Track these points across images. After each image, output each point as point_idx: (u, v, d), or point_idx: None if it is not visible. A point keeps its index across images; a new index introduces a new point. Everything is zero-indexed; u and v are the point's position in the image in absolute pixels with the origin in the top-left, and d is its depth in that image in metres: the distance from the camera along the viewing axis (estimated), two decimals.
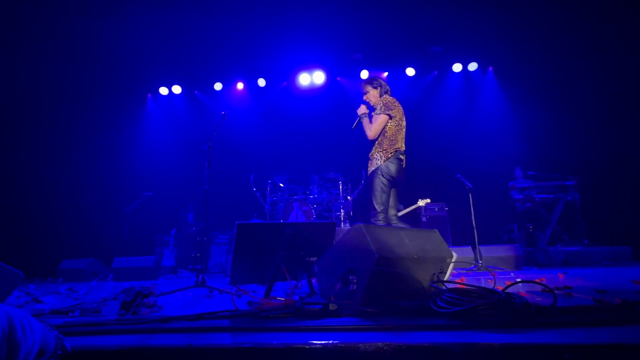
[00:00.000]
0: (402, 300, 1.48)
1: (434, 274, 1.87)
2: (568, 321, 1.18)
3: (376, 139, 3.14)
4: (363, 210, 7.19)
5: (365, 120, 3.19)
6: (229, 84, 8.45)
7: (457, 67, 7.96)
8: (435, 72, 8.15)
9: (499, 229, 6.80)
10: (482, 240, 4.67)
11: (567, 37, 6.69)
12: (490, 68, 7.97)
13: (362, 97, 3.38)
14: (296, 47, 7.64)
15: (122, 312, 1.62)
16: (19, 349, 0.56)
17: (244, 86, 8.50)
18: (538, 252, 5.12)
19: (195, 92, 8.63)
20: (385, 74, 8.27)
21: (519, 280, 2.51)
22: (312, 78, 8.25)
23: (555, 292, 1.44)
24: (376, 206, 2.96)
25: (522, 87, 7.44)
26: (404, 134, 3.22)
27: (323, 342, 1.05)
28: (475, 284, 1.46)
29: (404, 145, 3.19)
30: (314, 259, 2.04)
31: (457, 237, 6.53)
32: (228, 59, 7.81)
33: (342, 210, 6.40)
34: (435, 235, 2.12)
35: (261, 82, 8.36)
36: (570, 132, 6.79)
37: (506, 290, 1.36)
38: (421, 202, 5.89)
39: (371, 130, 3.10)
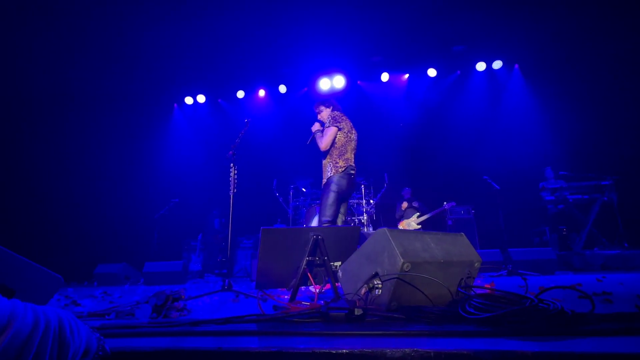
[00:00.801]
0: (428, 306, 1.46)
1: (462, 278, 1.82)
2: (608, 329, 1.12)
3: (328, 150, 3.34)
4: (386, 214, 7.12)
5: (318, 135, 3.42)
6: (251, 92, 8.64)
7: (480, 66, 7.77)
8: (458, 72, 7.99)
9: (529, 232, 6.54)
10: (511, 244, 4.51)
11: (599, 29, 6.39)
12: (516, 65, 7.73)
13: (317, 117, 3.68)
14: (316, 53, 7.71)
15: (154, 315, 1.68)
16: (69, 348, 0.60)
17: (266, 93, 8.65)
18: (573, 256, 4.88)
19: (219, 100, 8.87)
20: (406, 75, 8.19)
21: (553, 285, 2.40)
22: (332, 83, 8.30)
23: (593, 298, 1.37)
24: (325, 217, 3.14)
25: (550, 83, 7.15)
26: (353, 145, 3.43)
27: (349, 347, 1.05)
28: (506, 289, 1.41)
29: (353, 157, 3.40)
30: (338, 263, 2.04)
31: (485, 240, 6.34)
32: (250, 67, 7.99)
33: (365, 214, 6.36)
34: (462, 238, 2.07)
35: (282, 89, 8.49)
36: (605, 129, 6.45)
37: (539, 296, 1.31)
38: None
39: (322, 142, 3.31)
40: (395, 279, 1.53)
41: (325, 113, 3.60)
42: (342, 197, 3.26)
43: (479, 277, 3.76)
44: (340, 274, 1.93)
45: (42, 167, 7.18)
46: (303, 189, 6.79)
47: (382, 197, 6.69)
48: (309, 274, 1.94)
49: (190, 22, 6.56)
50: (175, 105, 9.08)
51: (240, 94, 8.63)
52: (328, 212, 3.11)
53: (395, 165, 7.42)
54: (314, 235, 2.02)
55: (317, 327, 1.29)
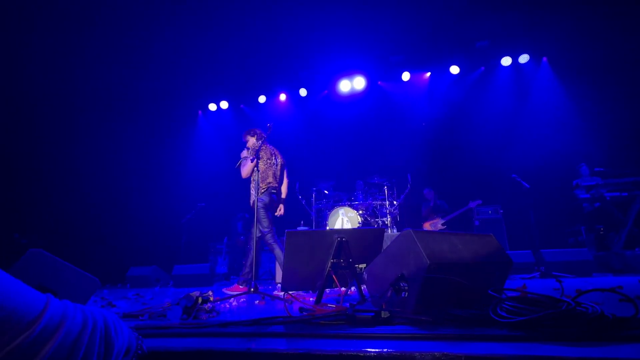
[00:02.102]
0: (457, 309, 1.42)
1: (491, 281, 1.77)
2: None
3: (249, 177, 3.88)
4: (410, 216, 7.01)
5: (243, 162, 3.90)
6: (272, 96, 8.76)
7: (506, 61, 7.51)
8: (482, 68, 7.77)
9: (563, 232, 6.24)
10: (544, 245, 4.32)
11: (633, 16, 6.03)
12: (545, 59, 7.42)
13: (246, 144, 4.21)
14: (336, 55, 7.73)
15: (185, 317, 1.74)
16: (113, 347, 0.63)
17: (287, 97, 8.75)
18: (612, 257, 4.61)
19: (241, 105, 9.04)
20: (428, 74, 8.06)
21: (591, 288, 2.28)
22: (352, 84, 8.28)
23: (637, 301, 1.29)
24: (264, 228, 3.75)
25: (581, 76, 6.81)
26: (274, 169, 4.02)
27: (377, 349, 1.04)
28: (539, 292, 1.36)
29: (274, 180, 3.98)
30: (363, 265, 2.03)
31: (515, 241, 6.11)
32: (270, 71, 8.12)
33: (388, 216, 6.29)
34: (491, 239, 2.01)
35: (303, 92, 8.55)
36: None
37: (576, 299, 1.25)
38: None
39: (243, 172, 3.86)
40: (422, 281, 1.50)
41: (250, 142, 4.10)
42: (271, 209, 3.90)
43: (509, 280, 3.63)
44: (365, 276, 1.92)
45: (80, 174, 7.55)
46: (325, 191, 6.80)
47: (405, 198, 6.59)
48: (334, 276, 1.94)
49: (213, 30, 6.74)
50: (200, 112, 9.34)
51: (262, 99, 8.77)
52: (264, 224, 3.75)
53: (418, 166, 7.30)
54: (338, 237, 2.02)
55: (344, 330, 1.29)
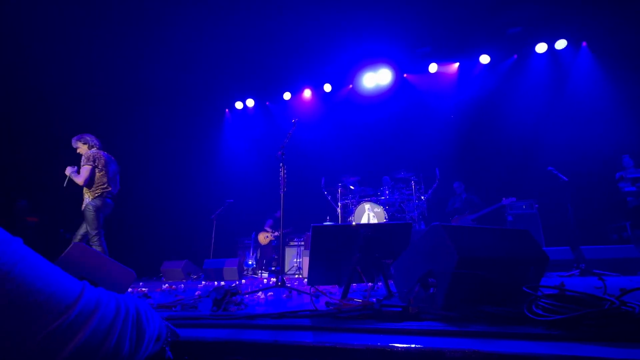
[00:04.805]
0: (488, 306, 1.37)
1: (526, 278, 1.69)
2: None
3: (85, 184, 4.00)
4: (438, 211, 6.84)
5: (72, 176, 3.99)
6: (297, 93, 8.80)
7: (541, 48, 7.12)
8: (515, 56, 7.42)
9: (605, 228, 5.87)
10: (584, 241, 4.08)
11: None
12: (584, 43, 6.96)
13: (76, 151, 4.25)
14: (360, 50, 7.63)
15: (215, 309, 1.79)
16: (145, 334, 0.66)
17: (311, 93, 8.76)
18: None
19: (267, 103, 9.16)
20: (456, 64, 7.79)
21: (638, 286, 2.13)
22: (377, 78, 8.15)
23: None
24: (93, 231, 3.92)
25: (624, 60, 6.33)
26: (109, 175, 4.16)
27: (405, 345, 1.02)
28: (578, 290, 1.28)
29: (109, 185, 4.14)
30: (390, 260, 2.00)
31: (552, 237, 5.81)
32: (295, 68, 8.15)
33: (415, 211, 6.17)
34: (526, 234, 1.92)
35: (327, 88, 8.53)
36: None
37: (621, 298, 1.17)
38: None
39: (80, 179, 3.94)
40: (451, 277, 1.46)
41: (82, 149, 4.20)
42: (103, 213, 4.09)
43: (546, 277, 3.46)
44: (392, 271, 1.89)
45: (120, 174, 7.96)
46: (351, 187, 6.76)
47: (433, 192, 6.44)
48: (359, 271, 1.93)
49: (238, 28, 6.84)
50: (227, 110, 9.55)
51: (287, 96, 8.83)
52: (93, 228, 3.92)
53: (447, 160, 7.09)
54: (364, 232, 2.01)
55: (371, 324, 1.28)
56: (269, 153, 6.80)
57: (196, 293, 2.58)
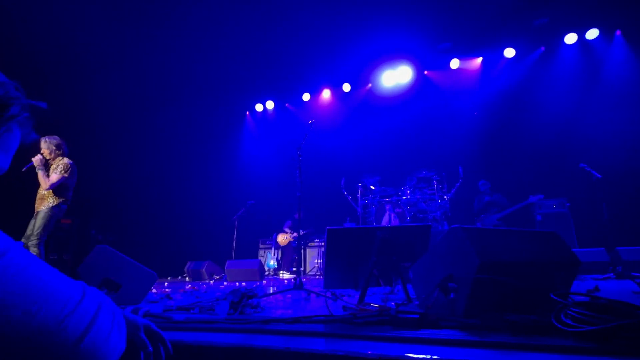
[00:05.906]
0: (513, 314, 1.29)
1: (555, 283, 1.59)
2: None
3: (48, 189, 3.94)
4: (462, 211, 6.63)
5: (40, 173, 3.90)
6: (316, 93, 8.80)
7: (570, 38, 6.77)
8: (542, 48, 7.09)
9: None
10: (620, 242, 3.83)
11: None
12: (618, 32, 6.55)
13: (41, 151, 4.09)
14: (379, 47, 7.53)
15: (231, 312, 1.79)
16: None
17: (330, 93, 8.74)
18: None
19: (286, 104, 9.21)
20: (479, 59, 7.54)
21: None
22: (397, 76, 8.02)
23: None
24: (40, 234, 3.82)
25: None
26: (73, 186, 4.15)
27: (421, 355, 0.97)
28: (614, 297, 1.19)
29: (71, 193, 4.13)
30: (409, 264, 1.94)
31: (585, 237, 5.51)
32: (314, 68, 8.15)
33: (438, 211, 6.01)
34: (554, 236, 1.81)
35: (346, 87, 8.48)
36: None
37: None
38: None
39: (48, 183, 3.89)
40: (472, 282, 1.39)
41: (47, 152, 4.03)
42: (55, 221, 4.04)
43: (579, 280, 3.27)
44: (410, 275, 1.83)
45: (148, 177, 8.25)
46: (371, 187, 6.67)
47: (457, 192, 6.25)
48: (377, 275, 1.88)
49: (259, 29, 6.89)
50: (247, 113, 9.69)
51: (306, 97, 8.85)
52: (44, 230, 3.86)
53: (470, 157, 6.86)
54: (381, 234, 1.96)
55: (386, 332, 1.24)
56: (289, 154, 6.82)
57: (215, 295, 2.61)
